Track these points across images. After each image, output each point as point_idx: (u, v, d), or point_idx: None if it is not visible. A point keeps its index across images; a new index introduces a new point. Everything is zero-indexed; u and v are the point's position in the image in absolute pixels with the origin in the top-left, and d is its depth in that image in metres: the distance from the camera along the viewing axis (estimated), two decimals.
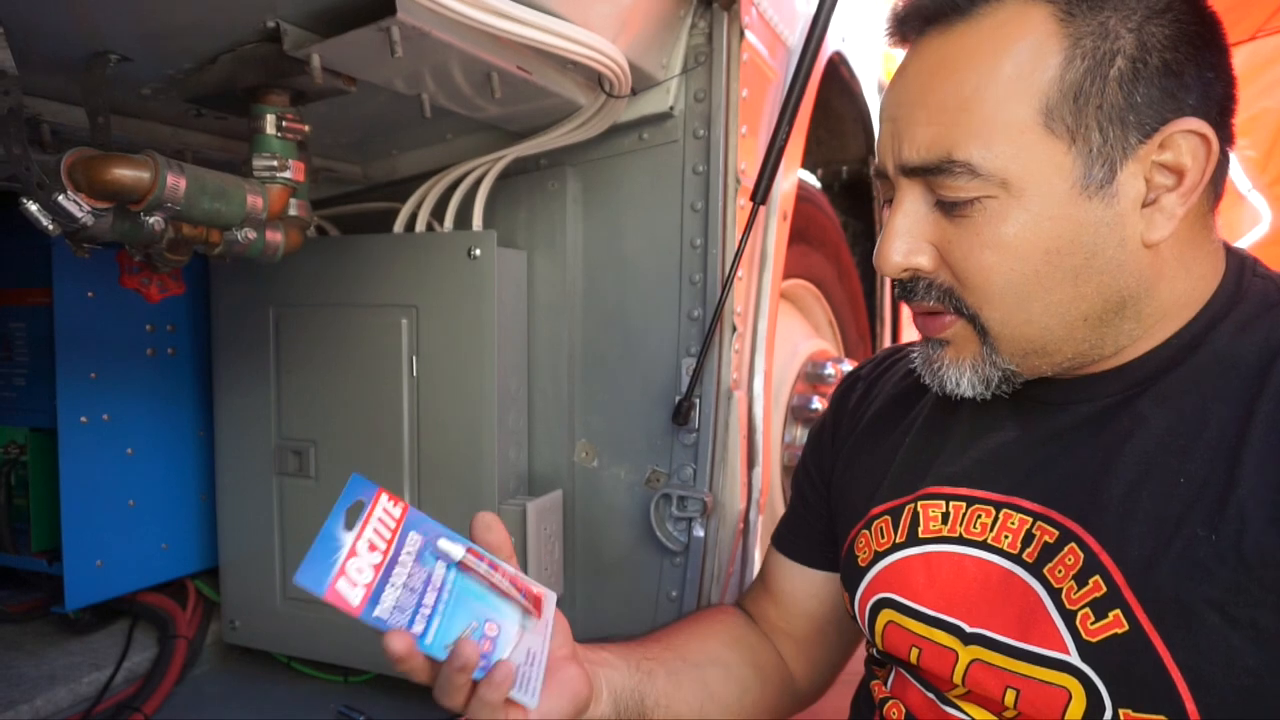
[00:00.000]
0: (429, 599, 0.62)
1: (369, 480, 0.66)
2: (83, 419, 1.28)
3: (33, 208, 0.76)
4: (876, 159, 0.72)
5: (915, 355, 0.77)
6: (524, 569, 1.16)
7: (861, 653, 0.89)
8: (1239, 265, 0.71)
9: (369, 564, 0.61)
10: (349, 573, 0.59)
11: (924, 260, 0.69)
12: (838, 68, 1.91)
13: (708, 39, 1.17)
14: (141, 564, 1.37)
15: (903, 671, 0.78)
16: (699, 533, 1.19)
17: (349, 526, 0.62)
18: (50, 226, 0.77)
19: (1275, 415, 0.62)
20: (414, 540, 0.65)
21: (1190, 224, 0.67)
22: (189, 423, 1.44)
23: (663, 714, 0.81)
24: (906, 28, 0.70)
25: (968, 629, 0.71)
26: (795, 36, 1.49)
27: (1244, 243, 2.93)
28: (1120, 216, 0.64)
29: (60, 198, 0.76)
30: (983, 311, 0.68)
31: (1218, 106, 0.65)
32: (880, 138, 0.71)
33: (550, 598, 0.71)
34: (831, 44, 1.77)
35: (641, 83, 1.15)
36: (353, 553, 0.61)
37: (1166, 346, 0.69)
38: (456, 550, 0.66)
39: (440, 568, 0.65)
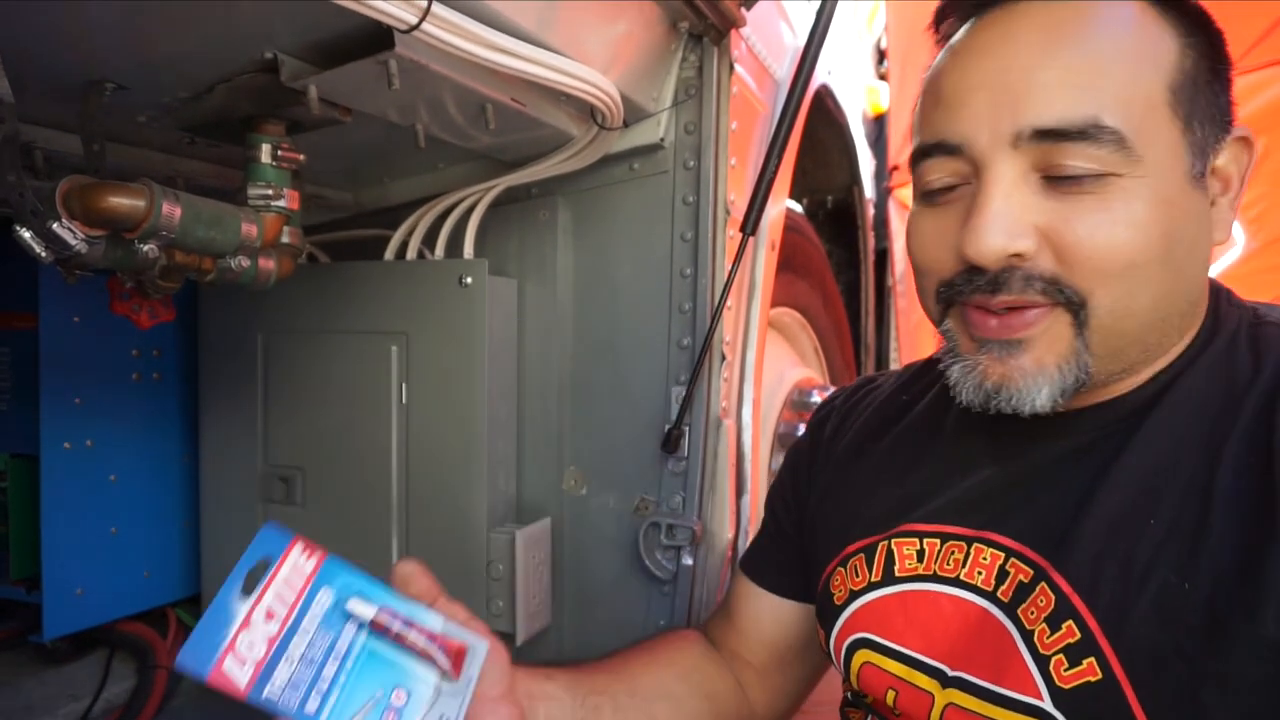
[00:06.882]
0: (329, 670, 0.60)
1: (284, 529, 0.63)
2: (65, 445, 1.26)
3: (26, 235, 0.76)
4: (934, 138, 0.66)
5: (954, 367, 0.68)
6: (513, 598, 1.17)
7: (839, 693, 0.88)
8: (1216, 297, 0.71)
9: (263, 636, 0.59)
10: (239, 649, 0.58)
11: (1029, 244, 0.62)
12: (823, 99, 1.95)
13: (698, 72, 1.19)
14: (122, 592, 1.35)
15: (876, 717, 0.78)
16: (688, 561, 1.19)
17: (248, 591, 0.60)
18: (43, 254, 0.77)
19: (1243, 459, 0.61)
20: (323, 599, 0.63)
21: None
22: (174, 449, 1.42)
23: None
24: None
25: (949, 672, 0.70)
26: (782, 69, 1.51)
27: (1217, 267, 2.99)
28: (1208, 213, 0.66)
29: (54, 225, 0.76)
30: (1094, 296, 0.62)
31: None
32: (957, 110, 0.65)
33: (478, 650, 0.67)
34: (818, 77, 1.81)
35: (633, 115, 1.17)
36: (246, 624, 0.58)
37: (1153, 383, 0.68)
38: (368, 610, 0.63)
39: (350, 629, 0.63)
